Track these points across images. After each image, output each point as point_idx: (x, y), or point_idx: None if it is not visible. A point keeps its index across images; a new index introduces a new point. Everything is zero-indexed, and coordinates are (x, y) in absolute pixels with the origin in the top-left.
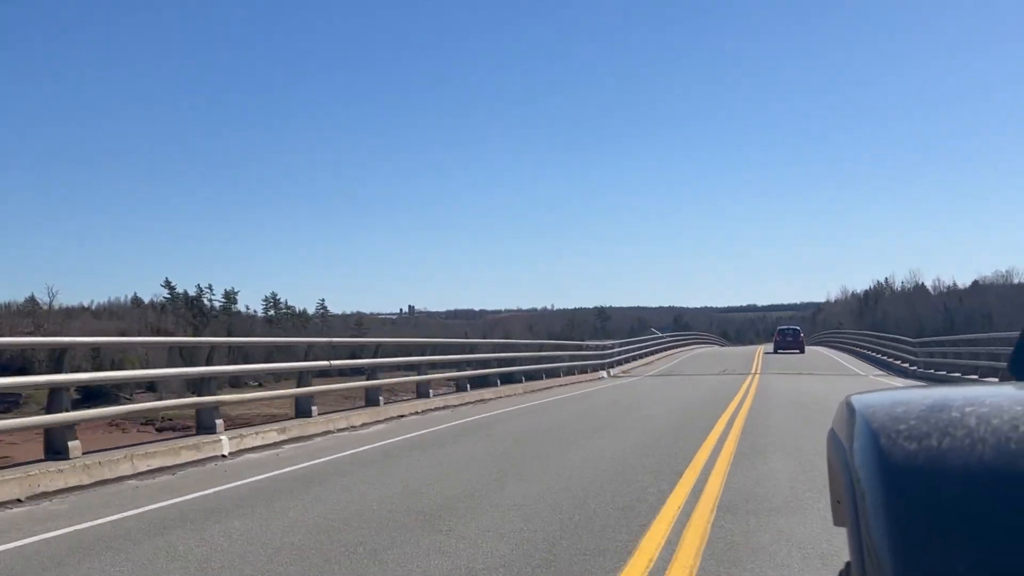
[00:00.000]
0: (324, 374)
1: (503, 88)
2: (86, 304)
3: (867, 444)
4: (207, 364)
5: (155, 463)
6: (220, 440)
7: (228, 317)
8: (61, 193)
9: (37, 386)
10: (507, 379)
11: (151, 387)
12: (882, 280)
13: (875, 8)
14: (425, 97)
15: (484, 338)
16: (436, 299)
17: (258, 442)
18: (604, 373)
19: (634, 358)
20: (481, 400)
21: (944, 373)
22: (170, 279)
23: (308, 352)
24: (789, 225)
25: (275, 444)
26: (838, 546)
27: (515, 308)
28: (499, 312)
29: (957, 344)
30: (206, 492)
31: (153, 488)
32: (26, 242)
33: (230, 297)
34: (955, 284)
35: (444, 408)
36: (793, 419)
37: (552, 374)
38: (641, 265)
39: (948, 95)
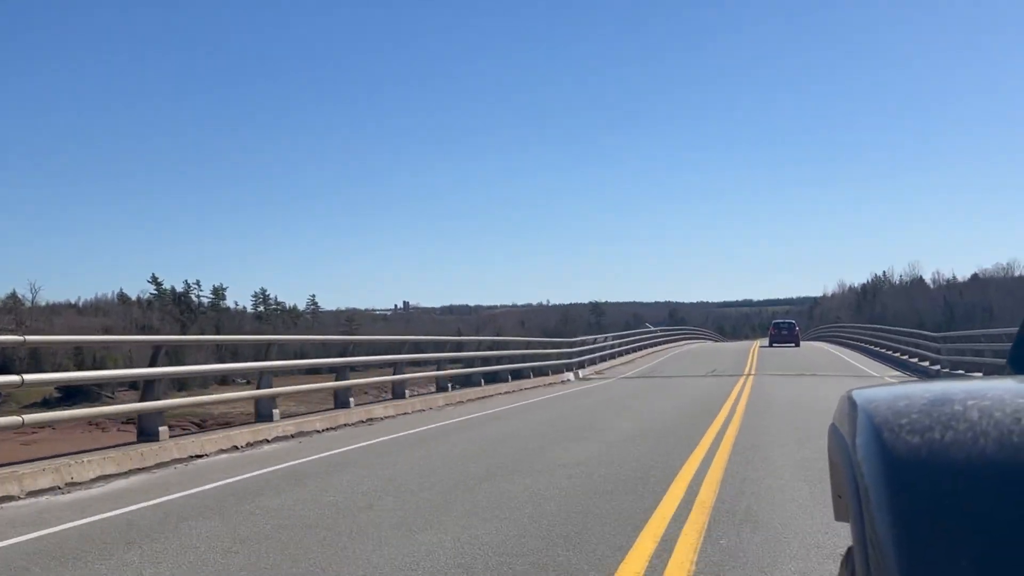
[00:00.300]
0: (315, 371)
1: (497, 84)
2: (72, 300)
3: (870, 438)
4: (151, 365)
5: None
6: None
7: (216, 313)
8: (46, 188)
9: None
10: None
11: (134, 385)
12: (880, 274)
13: (874, 1)
14: (419, 93)
15: (475, 335)
16: (431, 295)
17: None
18: (570, 375)
19: (613, 356)
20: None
21: (980, 375)
22: (157, 275)
23: (268, 351)
24: (786, 219)
25: (228, 450)
26: None
27: (510, 304)
28: (494, 308)
29: (992, 340)
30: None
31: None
32: (9, 238)
33: (218, 293)
34: (955, 277)
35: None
36: (800, 463)
37: (493, 379)
38: (637, 260)
39: (947, 88)
